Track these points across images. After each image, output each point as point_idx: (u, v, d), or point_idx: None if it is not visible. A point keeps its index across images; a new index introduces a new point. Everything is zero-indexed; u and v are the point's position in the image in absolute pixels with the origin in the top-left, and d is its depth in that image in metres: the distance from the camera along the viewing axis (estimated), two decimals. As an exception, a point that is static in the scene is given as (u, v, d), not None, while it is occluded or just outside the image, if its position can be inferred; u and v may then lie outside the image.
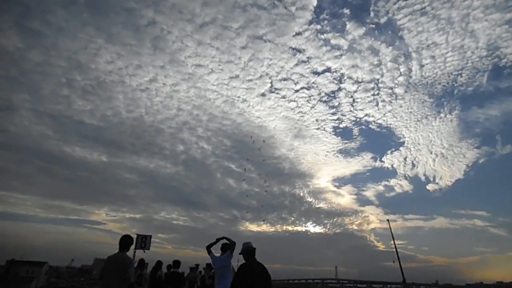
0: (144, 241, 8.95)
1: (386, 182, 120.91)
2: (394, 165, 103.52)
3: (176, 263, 6.44)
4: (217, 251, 4.97)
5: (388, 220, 25.66)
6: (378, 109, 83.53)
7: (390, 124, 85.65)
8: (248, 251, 3.67)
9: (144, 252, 8.78)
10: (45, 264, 54.89)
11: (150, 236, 9.12)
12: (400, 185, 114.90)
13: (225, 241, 4.85)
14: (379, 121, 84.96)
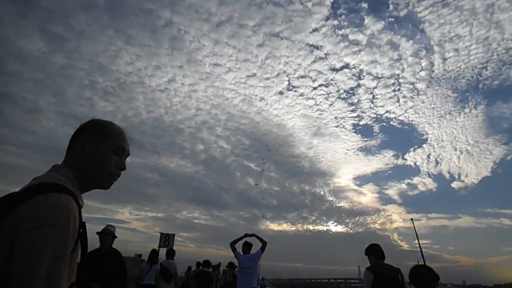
0: (167, 240, 9.26)
1: (408, 180, 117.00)
2: (417, 163, 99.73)
3: (206, 263, 6.80)
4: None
5: (412, 219, 24.99)
6: (399, 105, 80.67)
7: (412, 120, 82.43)
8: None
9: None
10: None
11: (174, 235, 9.43)
12: (424, 183, 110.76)
13: (253, 238, 4.77)
14: (400, 118, 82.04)
